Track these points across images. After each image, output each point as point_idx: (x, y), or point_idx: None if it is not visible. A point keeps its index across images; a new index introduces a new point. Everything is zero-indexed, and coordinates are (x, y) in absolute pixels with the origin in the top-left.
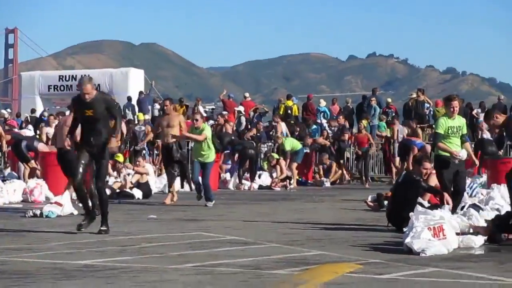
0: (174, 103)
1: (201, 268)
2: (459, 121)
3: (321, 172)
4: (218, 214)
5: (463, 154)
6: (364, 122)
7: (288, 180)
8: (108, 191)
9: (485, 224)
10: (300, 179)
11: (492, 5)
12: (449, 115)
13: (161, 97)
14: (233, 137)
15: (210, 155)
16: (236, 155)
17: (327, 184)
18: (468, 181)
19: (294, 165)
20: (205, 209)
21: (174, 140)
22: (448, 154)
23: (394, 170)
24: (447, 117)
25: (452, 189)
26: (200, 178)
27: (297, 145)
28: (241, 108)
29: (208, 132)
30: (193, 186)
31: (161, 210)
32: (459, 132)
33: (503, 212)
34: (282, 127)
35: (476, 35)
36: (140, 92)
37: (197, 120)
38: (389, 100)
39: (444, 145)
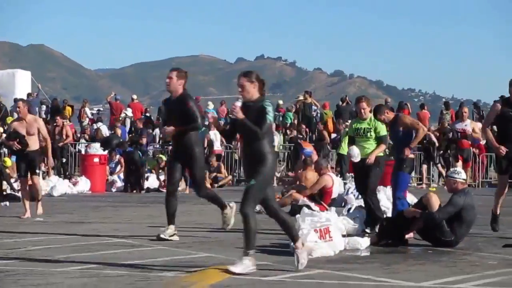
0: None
1: (87, 271)
2: (370, 123)
3: (207, 174)
4: (105, 217)
5: (352, 153)
6: None
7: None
8: None
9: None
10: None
11: (378, 8)
12: (358, 117)
13: (49, 99)
14: (121, 139)
15: None
16: (118, 156)
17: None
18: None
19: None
20: (92, 212)
21: (36, 148)
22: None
23: None
24: (356, 120)
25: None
26: None
27: None
28: (129, 111)
29: None
30: None
31: (48, 212)
32: (367, 135)
33: (389, 214)
34: None
35: (363, 38)
36: (28, 94)
37: None
38: (281, 102)
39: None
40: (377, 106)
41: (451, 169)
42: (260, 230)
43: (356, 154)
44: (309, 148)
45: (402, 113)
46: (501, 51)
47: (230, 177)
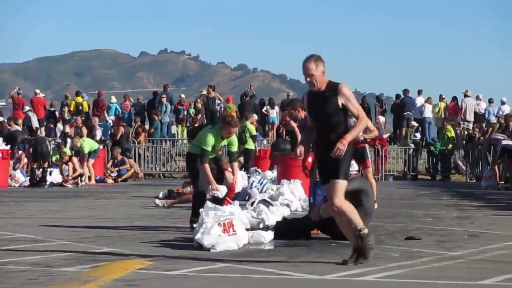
0: None
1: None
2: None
3: (111, 167)
4: (7, 212)
5: (222, 190)
6: None
7: (80, 177)
8: None
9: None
10: (96, 177)
11: (279, 2)
12: (224, 136)
13: None
14: (25, 135)
15: None
16: (20, 152)
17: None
18: (259, 176)
19: (90, 162)
20: None
21: None
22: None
23: None
24: (216, 135)
25: None
26: None
27: (95, 144)
28: (26, 108)
29: None
30: None
31: None
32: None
33: (292, 208)
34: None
35: (266, 32)
36: None
37: None
38: (183, 96)
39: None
40: (292, 100)
41: None
42: (164, 225)
43: None
44: None
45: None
46: (404, 44)
47: (133, 169)
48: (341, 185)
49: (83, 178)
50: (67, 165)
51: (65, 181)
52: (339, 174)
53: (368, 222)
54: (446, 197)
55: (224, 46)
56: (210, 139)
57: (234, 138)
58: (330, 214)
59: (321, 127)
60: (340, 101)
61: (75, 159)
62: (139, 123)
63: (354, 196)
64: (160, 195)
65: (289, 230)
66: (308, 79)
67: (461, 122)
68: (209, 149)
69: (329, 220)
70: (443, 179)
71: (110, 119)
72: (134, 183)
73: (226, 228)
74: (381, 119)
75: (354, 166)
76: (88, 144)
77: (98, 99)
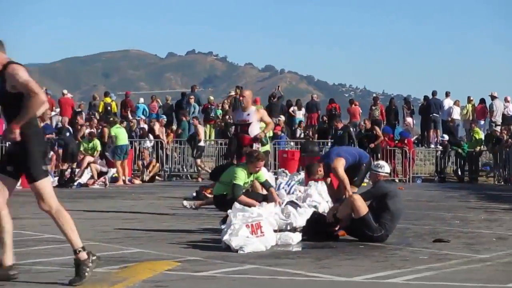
0: None
1: (18, 267)
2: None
3: (140, 168)
4: (35, 212)
5: None
6: None
7: (106, 177)
8: None
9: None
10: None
11: (309, 3)
12: (252, 171)
13: None
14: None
15: None
16: (52, 153)
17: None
18: (287, 178)
19: (118, 162)
20: (21, 207)
21: None
22: None
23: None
24: (247, 171)
25: None
26: None
27: (124, 137)
28: (53, 112)
29: None
30: None
31: None
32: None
33: (320, 210)
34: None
35: (294, 33)
36: None
37: None
38: (211, 98)
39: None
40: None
41: (375, 163)
42: (192, 226)
43: None
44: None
45: (334, 164)
46: (431, 47)
47: (158, 164)
48: (42, 187)
49: (109, 176)
50: (89, 166)
51: (90, 183)
52: (35, 176)
53: (395, 224)
54: (474, 199)
55: (252, 47)
56: (242, 174)
57: (260, 172)
58: (345, 214)
59: (6, 118)
60: (10, 85)
61: (93, 161)
62: (162, 125)
63: (380, 201)
64: (188, 196)
65: (315, 228)
66: None
67: (479, 128)
68: (242, 183)
69: (357, 225)
70: (470, 181)
71: (139, 119)
72: (162, 184)
73: (254, 229)
74: (409, 120)
75: (385, 168)
76: (116, 130)
77: (126, 99)
